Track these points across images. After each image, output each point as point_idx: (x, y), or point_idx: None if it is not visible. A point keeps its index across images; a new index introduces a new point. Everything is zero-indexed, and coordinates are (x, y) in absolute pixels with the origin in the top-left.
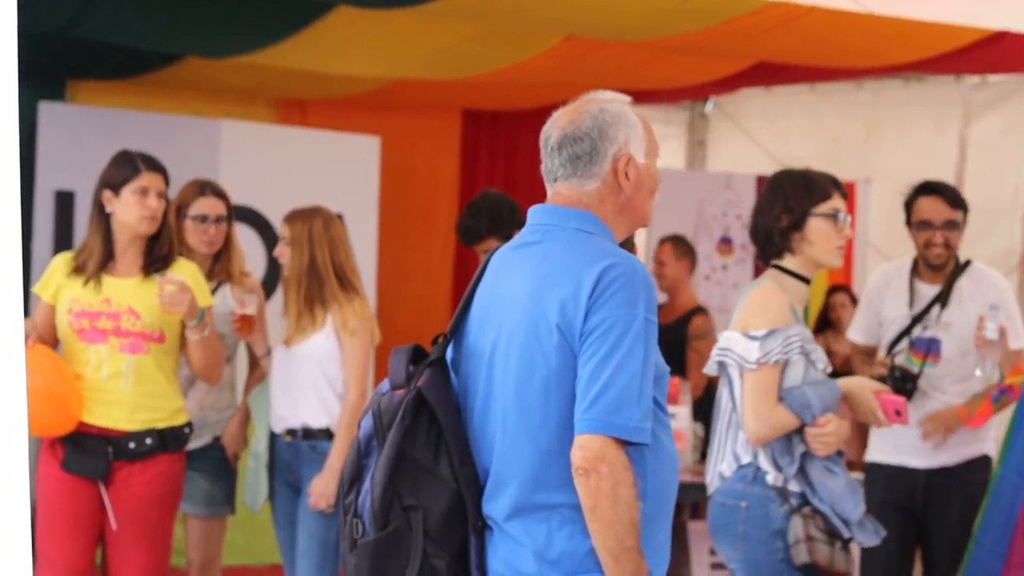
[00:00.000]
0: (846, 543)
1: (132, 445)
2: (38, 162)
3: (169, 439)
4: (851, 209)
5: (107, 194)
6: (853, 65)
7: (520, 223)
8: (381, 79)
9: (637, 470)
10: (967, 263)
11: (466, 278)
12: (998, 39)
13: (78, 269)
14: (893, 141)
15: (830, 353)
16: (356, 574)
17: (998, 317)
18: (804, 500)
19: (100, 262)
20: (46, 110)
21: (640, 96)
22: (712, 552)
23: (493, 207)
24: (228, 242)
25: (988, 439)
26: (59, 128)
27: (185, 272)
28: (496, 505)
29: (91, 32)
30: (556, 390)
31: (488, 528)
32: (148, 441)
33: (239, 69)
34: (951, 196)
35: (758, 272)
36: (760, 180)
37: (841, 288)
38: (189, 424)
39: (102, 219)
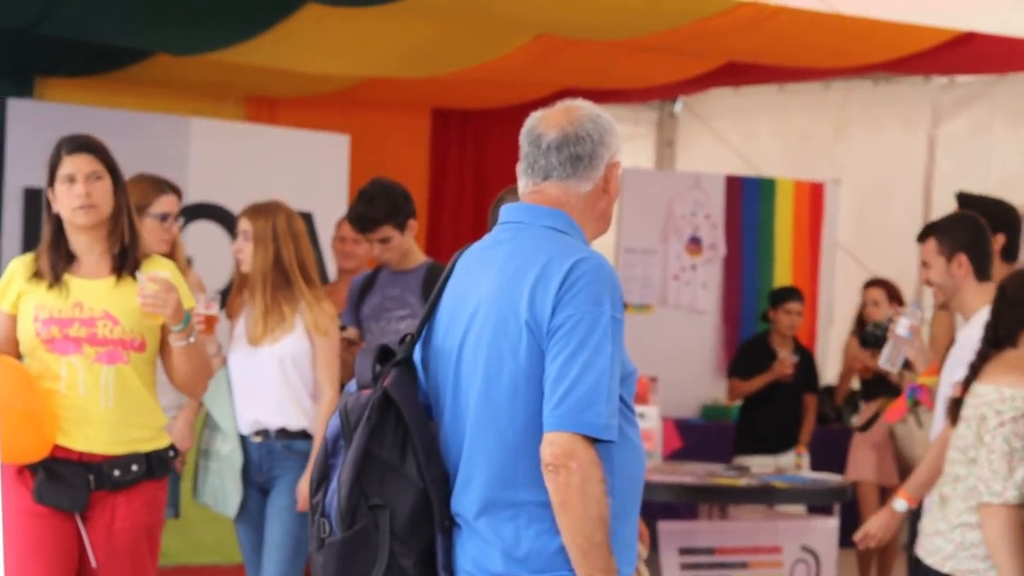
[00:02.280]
0: None
1: (116, 473)
2: (7, 159)
3: (155, 464)
4: (819, 209)
5: (49, 191)
6: (822, 65)
7: (412, 211)
8: (350, 77)
9: (605, 467)
10: None
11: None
12: (966, 40)
13: (39, 273)
14: (862, 141)
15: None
16: (323, 573)
17: (917, 316)
18: None
19: (52, 263)
20: (15, 107)
21: (609, 95)
22: (682, 552)
23: (388, 193)
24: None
25: None
26: (28, 125)
27: (165, 270)
28: (464, 502)
29: (60, 29)
30: (524, 387)
31: (457, 526)
32: (134, 468)
33: (209, 66)
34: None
35: (727, 272)
36: (729, 180)
37: (879, 282)
38: (172, 447)
39: (50, 218)
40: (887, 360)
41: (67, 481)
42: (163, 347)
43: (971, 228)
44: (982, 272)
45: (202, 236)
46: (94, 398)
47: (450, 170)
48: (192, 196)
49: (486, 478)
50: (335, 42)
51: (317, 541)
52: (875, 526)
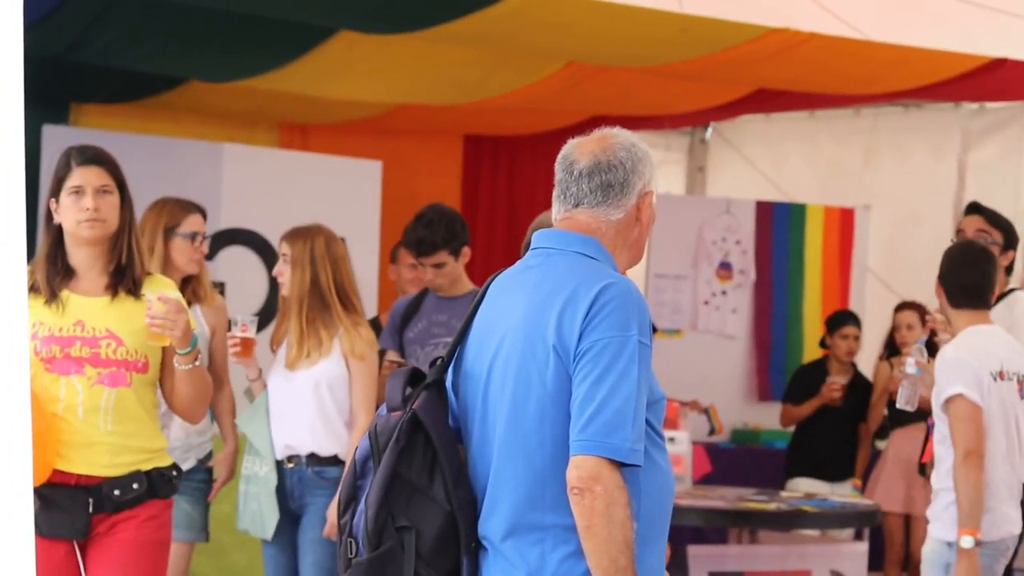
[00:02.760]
0: None
1: (116, 492)
2: (42, 185)
3: (158, 483)
4: (849, 235)
5: (52, 202)
6: (852, 92)
7: (467, 238)
8: (383, 104)
9: (631, 491)
10: (1011, 290)
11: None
12: (996, 66)
13: (34, 287)
14: (891, 167)
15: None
16: None
17: (923, 353)
18: None
19: (49, 277)
20: (50, 133)
21: (640, 122)
22: None
23: (447, 218)
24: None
25: None
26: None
27: (168, 289)
28: (491, 525)
29: (94, 56)
30: (551, 411)
31: (484, 549)
32: (135, 486)
33: (241, 93)
34: (989, 214)
35: (757, 297)
36: (759, 205)
37: (911, 304)
38: (176, 467)
39: (49, 229)
40: (905, 401)
41: (64, 508)
42: (163, 370)
43: (951, 257)
44: (955, 299)
45: (235, 261)
46: (93, 421)
47: (482, 196)
48: (225, 222)
49: (513, 501)
50: (367, 69)
51: (344, 562)
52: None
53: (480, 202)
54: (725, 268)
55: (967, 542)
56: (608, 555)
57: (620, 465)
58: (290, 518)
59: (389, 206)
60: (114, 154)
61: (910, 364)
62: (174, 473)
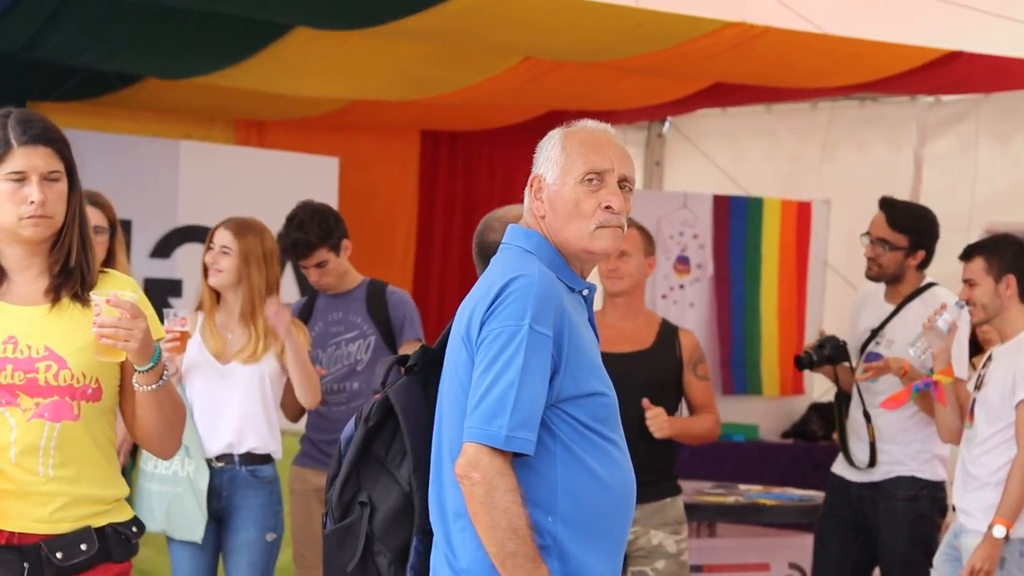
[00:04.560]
0: None
1: (59, 555)
2: None
3: (112, 542)
4: (806, 228)
5: None
6: (808, 85)
7: (345, 231)
8: (339, 100)
9: (546, 485)
10: (927, 286)
11: (425, 298)
12: (952, 59)
13: None
14: (849, 161)
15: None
16: (323, 562)
17: (958, 313)
18: None
19: None
20: None
21: (598, 117)
22: None
23: (319, 215)
24: (112, 258)
25: (916, 460)
26: None
27: (127, 290)
28: (431, 511)
29: (50, 53)
30: (464, 400)
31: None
32: (83, 547)
33: (198, 90)
34: (893, 215)
35: (715, 291)
36: (717, 200)
37: None
38: (137, 522)
39: None
40: (918, 351)
41: None
42: (122, 392)
43: (1018, 250)
44: None
45: (192, 259)
46: (30, 466)
47: (439, 191)
48: (182, 219)
49: (443, 489)
50: (324, 65)
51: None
52: (979, 559)
53: (437, 197)
54: (683, 262)
55: (1000, 531)
56: (494, 541)
57: (508, 454)
58: (212, 519)
59: (346, 202)
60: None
61: (943, 320)
62: (133, 529)
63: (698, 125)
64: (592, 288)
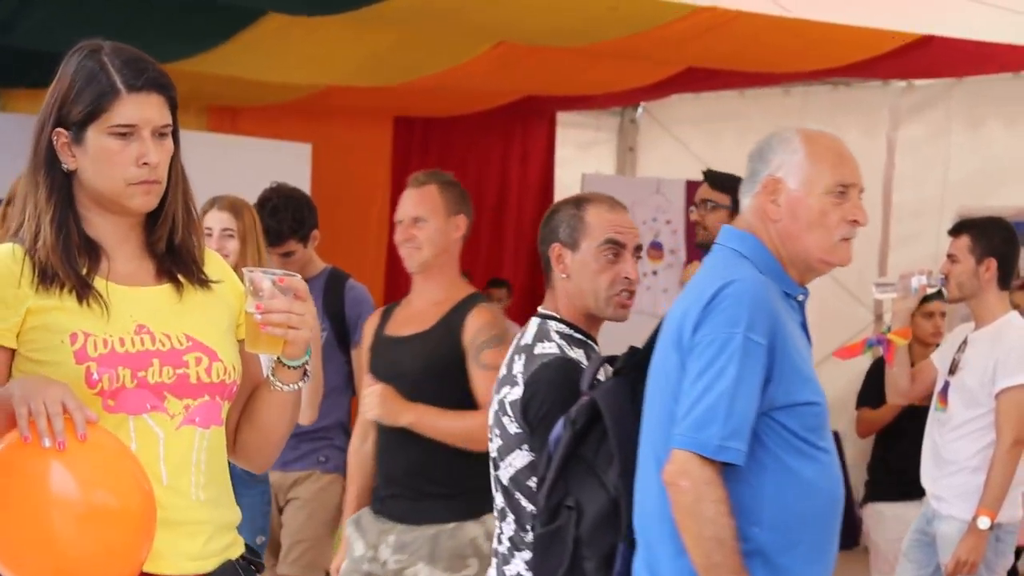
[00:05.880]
0: None
1: None
2: None
3: None
4: None
5: (61, 133)
6: (780, 69)
7: (316, 222)
8: (312, 86)
9: (754, 495)
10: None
11: (398, 285)
12: (924, 43)
13: (48, 276)
14: None
15: None
16: (530, 566)
17: (934, 287)
18: None
19: (69, 259)
20: None
21: (571, 102)
22: None
23: (293, 203)
24: None
25: None
26: None
27: (220, 268)
28: (636, 517)
29: (23, 39)
30: (674, 407)
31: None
32: None
33: (171, 76)
34: (714, 179)
35: (688, 277)
36: (690, 185)
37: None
38: (251, 550)
39: (52, 181)
40: (879, 290)
41: None
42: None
43: (1006, 236)
44: (1005, 281)
45: None
46: (182, 487)
47: None
48: None
49: (647, 495)
50: (296, 51)
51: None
52: (965, 551)
53: None
54: (656, 248)
55: (984, 523)
56: (701, 551)
57: (718, 464)
58: None
59: (319, 188)
60: None
61: (916, 280)
62: (259, 559)
63: (671, 111)
64: (806, 293)
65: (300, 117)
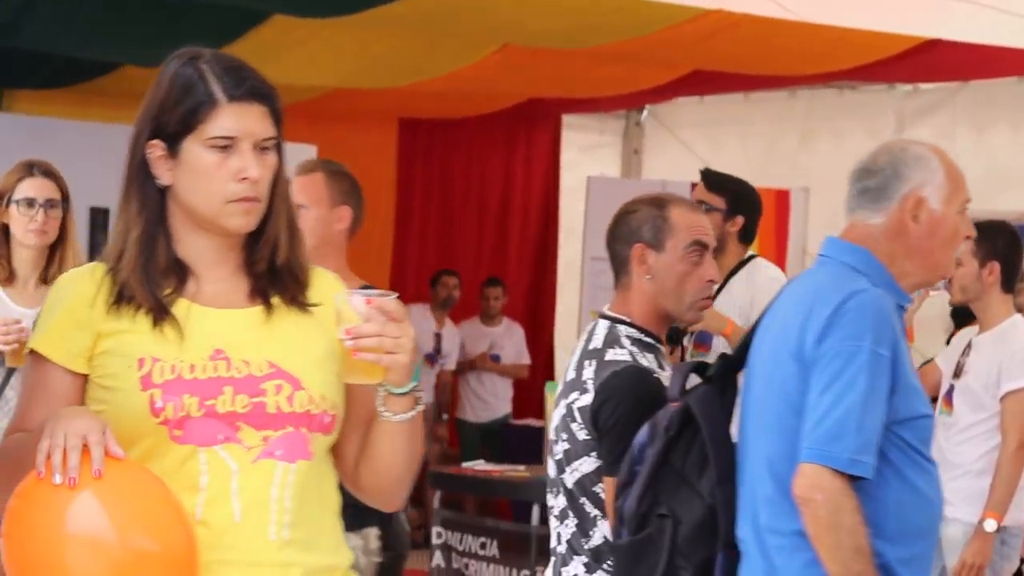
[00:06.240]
0: None
1: None
2: None
3: None
4: (785, 216)
5: (155, 150)
6: (786, 73)
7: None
8: (317, 88)
9: (878, 508)
10: (750, 258)
11: (403, 287)
12: (930, 47)
13: (125, 296)
14: (827, 150)
15: None
16: (614, 573)
17: (933, 293)
18: None
19: (149, 278)
20: None
21: (575, 105)
22: None
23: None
24: (65, 235)
25: None
26: None
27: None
28: (742, 527)
29: (27, 41)
30: (791, 419)
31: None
32: None
33: None
34: (710, 180)
35: None
36: (695, 188)
37: None
38: None
39: (139, 190)
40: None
41: None
42: (345, 425)
43: (1010, 240)
44: (1008, 284)
45: None
46: (259, 526)
47: (417, 179)
48: None
49: (759, 506)
50: (301, 53)
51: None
52: (971, 554)
53: (415, 185)
54: None
55: (991, 525)
56: (840, 562)
57: (849, 477)
58: None
59: None
60: (48, 141)
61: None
62: None
63: (676, 113)
64: (911, 301)
65: (305, 119)
